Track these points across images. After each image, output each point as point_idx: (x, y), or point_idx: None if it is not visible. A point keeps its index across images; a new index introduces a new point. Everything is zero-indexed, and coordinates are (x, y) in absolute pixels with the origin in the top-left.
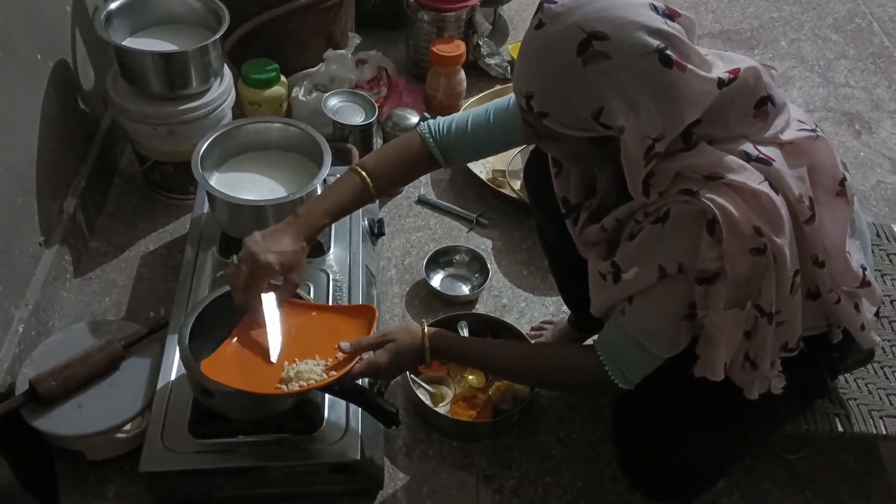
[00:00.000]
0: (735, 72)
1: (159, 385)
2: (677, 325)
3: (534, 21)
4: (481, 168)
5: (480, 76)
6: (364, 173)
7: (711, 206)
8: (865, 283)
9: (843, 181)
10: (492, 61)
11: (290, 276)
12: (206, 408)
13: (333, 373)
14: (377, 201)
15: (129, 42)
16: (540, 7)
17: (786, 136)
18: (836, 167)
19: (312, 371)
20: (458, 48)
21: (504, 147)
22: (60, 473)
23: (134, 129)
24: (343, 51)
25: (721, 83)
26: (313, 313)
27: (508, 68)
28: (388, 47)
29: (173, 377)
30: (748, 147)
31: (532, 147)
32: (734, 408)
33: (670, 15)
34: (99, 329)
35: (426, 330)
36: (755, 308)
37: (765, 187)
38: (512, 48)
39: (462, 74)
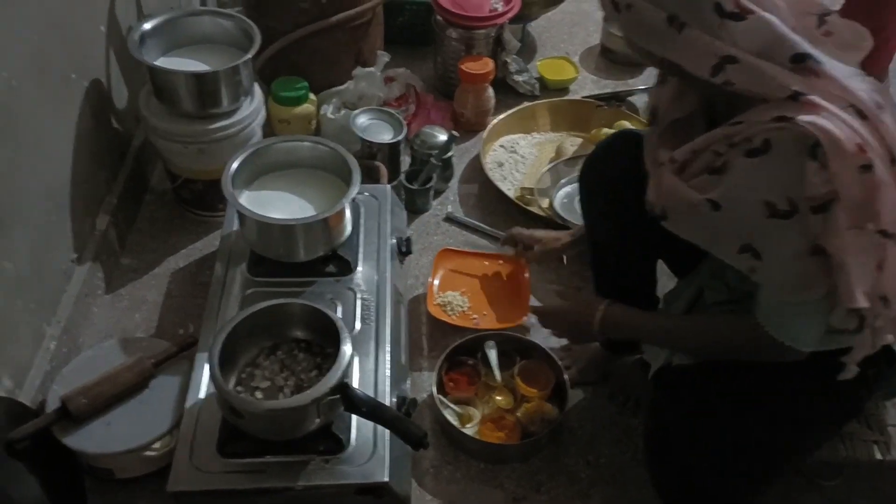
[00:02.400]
0: None
1: (188, 404)
2: (807, 265)
3: None
4: (510, 186)
5: (508, 93)
6: None
7: (811, 129)
8: None
9: None
10: (520, 78)
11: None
12: (234, 427)
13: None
14: (405, 219)
15: (162, 62)
16: None
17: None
18: None
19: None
20: (486, 65)
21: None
22: (89, 491)
23: (165, 147)
24: (372, 68)
25: None
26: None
27: (537, 85)
28: (417, 65)
29: (202, 396)
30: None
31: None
32: (772, 426)
33: None
34: (129, 347)
35: (605, 305)
36: (879, 233)
37: (851, 113)
38: (540, 65)
39: (490, 91)
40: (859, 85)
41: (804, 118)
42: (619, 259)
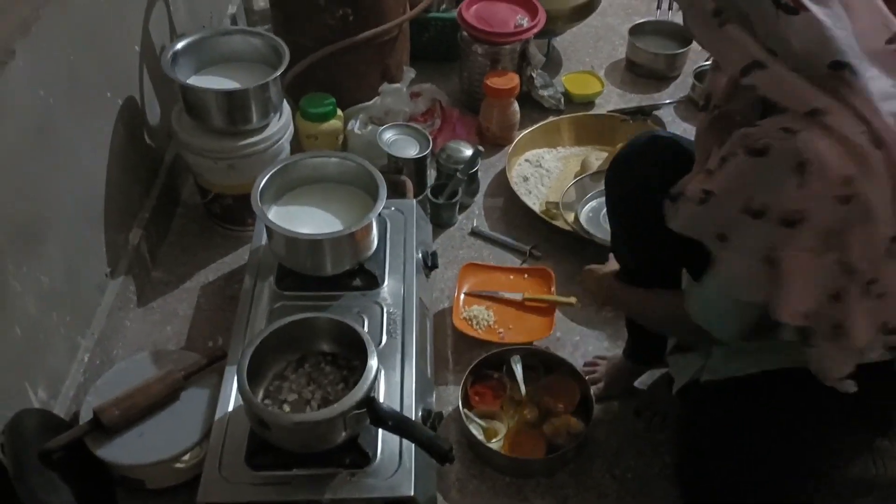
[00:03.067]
0: None
1: (217, 416)
2: (758, 268)
3: None
4: (535, 200)
5: (534, 107)
6: None
7: (804, 147)
8: None
9: None
10: (545, 93)
11: None
12: (262, 439)
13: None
14: (431, 233)
15: (194, 80)
16: None
17: None
18: None
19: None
20: (511, 80)
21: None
22: (121, 501)
23: (196, 162)
24: (398, 84)
25: None
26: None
27: (562, 99)
28: (442, 79)
29: (231, 408)
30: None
31: (613, 159)
32: (802, 443)
33: None
34: (160, 359)
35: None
36: (840, 264)
37: (863, 140)
38: (565, 80)
39: (516, 106)
40: None
41: (806, 135)
42: (648, 268)
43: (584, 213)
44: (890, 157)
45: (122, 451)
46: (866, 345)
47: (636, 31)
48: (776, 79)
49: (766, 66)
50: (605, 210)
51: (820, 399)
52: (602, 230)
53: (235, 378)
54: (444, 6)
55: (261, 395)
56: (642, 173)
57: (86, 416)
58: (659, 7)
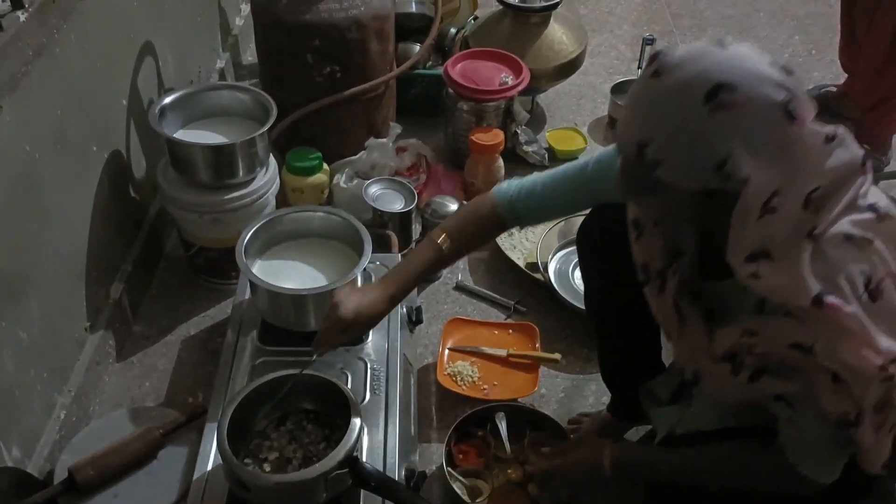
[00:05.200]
0: (833, 131)
1: (195, 475)
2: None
3: (647, 71)
4: (519, 255)
5: (518, 163)
6: (442, 237)
7: (831, 365)
8: None
9: None
10: (530, 149)
11: (353, 334)
12: (242, 501)
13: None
14: (416, 289)
15: (181, 134)
16: (654, 58)
17: (881, 204)
18: None
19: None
20: (496, 136)
21: (572, 209)
22: None
23: (181, 216)
24: (384, 139)
25: (827, 138)
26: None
27: (546, 155)
28: (428, 135)
29: (209, 467)
30: (850, 229)
31: (585, 216)
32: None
33: (788, 71)
34: (138, 416)
35: (612, 444)
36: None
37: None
38: (549, 136)
39: (500, 162)
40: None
41: (823, 350)
42: (622, 324)
43: (553, 266)
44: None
45: None
46: None
47: (617, 89)
48: (783, 269)
49: (773, 258)
50: (573, 264)
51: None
52: (568, 286)
53: (215, 437)
54: (430, 63)
55: (241, 454)
56: (613, 235)
57: (60, 474)
58: (639, 67)
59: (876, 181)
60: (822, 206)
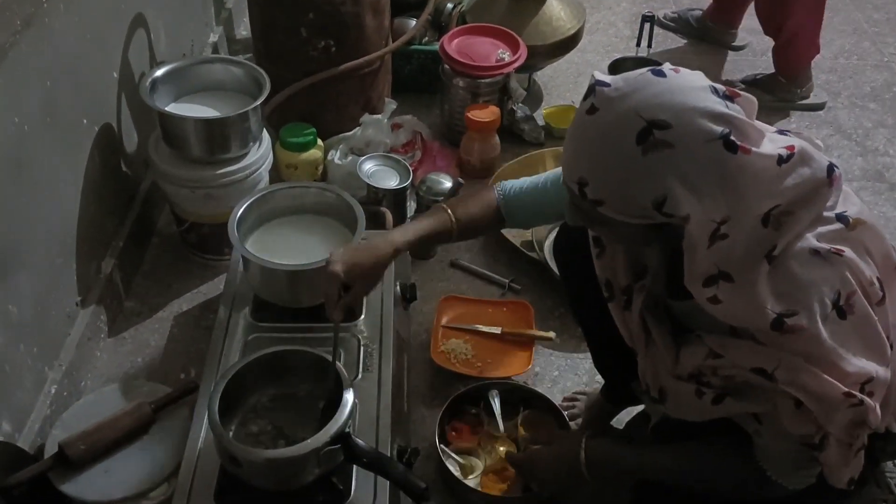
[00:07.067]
0: (790, 148)
1: (187, 451)
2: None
3: (585, 105)
4: (514, 232)
5: (514, 141)
6: (450, 211)
7: (793, 392)
8: None
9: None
10: (526, 126)
11: (355, 287)
12: (233, 476)
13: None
14: (410, 265)
15: (173, 107)
16: (591, 90)
17: (850, 211)
18: (886, 242)
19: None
20: (492, 114)
21: (557, 218)
22: None
23: (173, 191)
24: (379, 116)
25: (780, 159)
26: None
27: (542, 133)
28: (423, 112)
29: (201, 443)
30: (816, 243)
31: (560, 224)
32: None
33: (730, 97)
34: (130, 391)
35: (585, 441)
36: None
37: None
38: (546, 113)
39: (496, 139)
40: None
41: (785, 378)
42: (606, 329)
43: (548, 245)
44: (862, 286)
45: (87, 487)
46: None
47: (615, 67)
48: (741, 291)
49: (733, 280)
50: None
51: None
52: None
53: (206, 412)
54: (426, 39)
55: (232, 429)
56: (582, 252)
57: (51, 449)
58: (638, 44)
59: (791, 111)
60: (784, 222)
